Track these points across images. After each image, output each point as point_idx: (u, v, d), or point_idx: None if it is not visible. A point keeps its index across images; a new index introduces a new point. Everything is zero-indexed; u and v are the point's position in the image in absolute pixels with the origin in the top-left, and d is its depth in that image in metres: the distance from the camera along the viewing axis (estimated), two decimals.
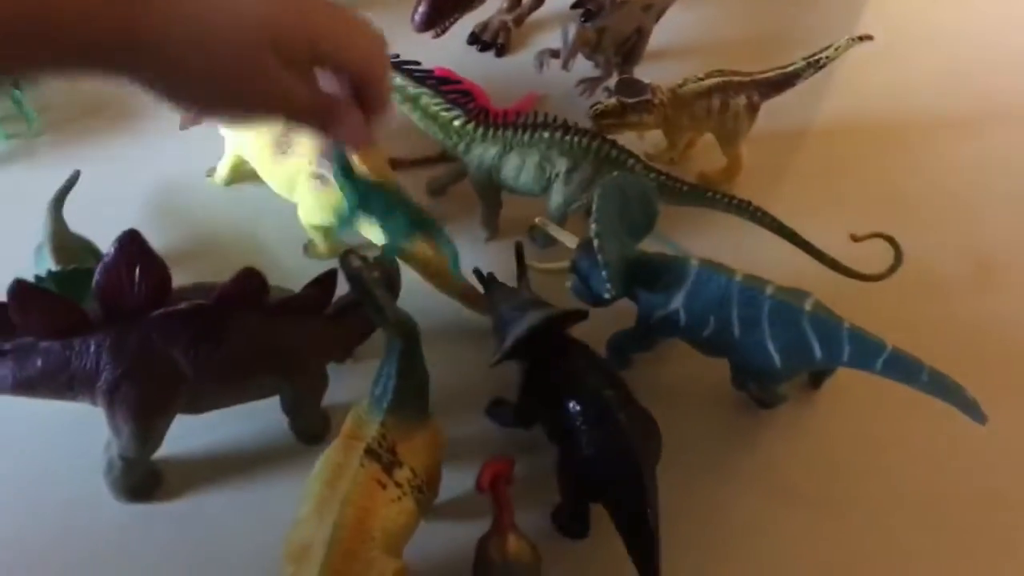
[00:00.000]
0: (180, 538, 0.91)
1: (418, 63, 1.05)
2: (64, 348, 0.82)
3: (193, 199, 1.13)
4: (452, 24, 1.18)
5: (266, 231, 1.10)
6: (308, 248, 1.10)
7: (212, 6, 0.68)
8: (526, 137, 1.04)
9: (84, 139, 1.17)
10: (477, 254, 1.09)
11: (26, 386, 0.83)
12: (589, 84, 1.26)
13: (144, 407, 0.84)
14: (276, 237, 1.09)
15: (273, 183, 1.06)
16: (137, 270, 0.81)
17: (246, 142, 1.07)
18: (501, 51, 1.33)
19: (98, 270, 0.81)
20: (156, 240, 0.86)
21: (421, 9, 1.14)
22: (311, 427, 0.96)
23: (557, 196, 1.05)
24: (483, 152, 1.05)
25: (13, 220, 1.08)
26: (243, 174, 1.13)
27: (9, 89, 1.13)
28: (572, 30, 1.21)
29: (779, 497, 0.96)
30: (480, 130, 1.04)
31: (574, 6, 1.36)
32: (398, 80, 1.04)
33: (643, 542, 0.84)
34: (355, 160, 0.98)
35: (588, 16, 1.32)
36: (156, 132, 1.18)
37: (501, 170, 1.06)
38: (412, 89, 1.04)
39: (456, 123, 1.04)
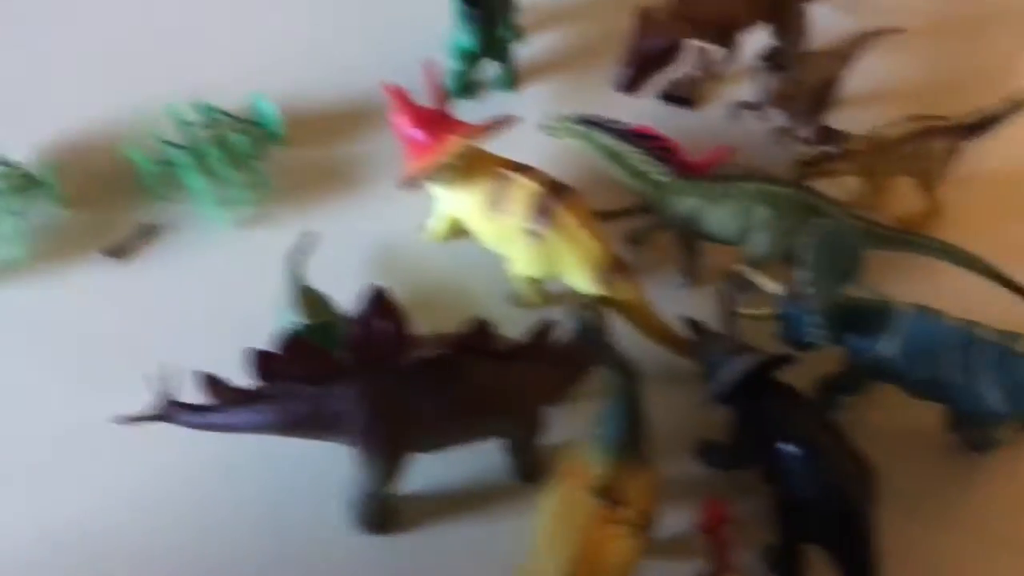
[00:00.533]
0: (415, 566, 0.99)
1: (619, 121, 1.12)
2: (322, 393, 0.91)
3: (408, 254, 1.22)
4: (649, 83, 1.25)
5: (474, 282, 1.18)
6: (515, 297, 1.16)
7: None
8: (726, 188, 1.08)
9: (316, 201, 1.28)
10: (677, 301, 1.13)
11: (289, 427, 0.93)
12: (783, 134, 1.29)
13: (391, 445, 0.93)
14: (482, 288, 1.16)
15: (486, 239, 1.14)
16: (384, 322, 0.90)
17: (460, 202, 1.15)
18: (691, 105, 1.38)
19: (351, 323, 0.90)
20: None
21: (622, 71, 1.21)
22: (530, 466, 1.02)
23: (757, 244, 1.09)
24: (683, 203, 1.10)
25: (256, 277, 1.20)
26: (455, 231, 1.21)
27: (252, 161, 1.26)
28: (766, 82, 1.25)
29: (993, 542, 0.96)
30: (680, 182, 1.09)
31: (764, 59, 1.40)
32: (602, 138, 1.10)
33: None
34: (561, 213, 1.06)
35: (778, 69, 1.36)
36: (375, 196, 1.29)
37: (701, 220, 1.11)
38: (616, 146, 1.10)
39: (657, 176, 1.10)
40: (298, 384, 0.91)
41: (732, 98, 1.32)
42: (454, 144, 1.11)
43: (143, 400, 0.96)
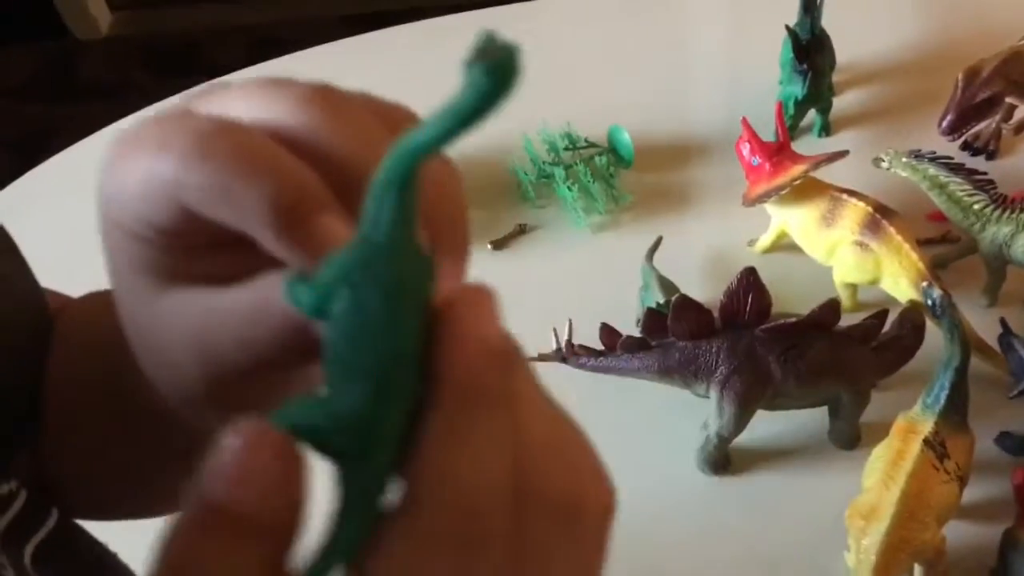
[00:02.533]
0: (747, 506, 1.21)
1: (951, 158, 1.32)
2: (695, 347, 1.16)
3: (736, 261, 1.45)
4: (969, 129, 1.45)
5: (789, 289, 1.39)
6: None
7: None
8: None
9: (656, 215, 1.55)
10: (979, 317, 1.30)
11: (665, 373, 1.19)
12: None
13: (745, 396, 1.16)
14: (797, 293, 1.36)
15: (813, 251, 1.37)
16: (750, 296, 1.14)
17: (793, 217, 1.38)
18: (992, 156, 1.55)
19: (724, 293, 1.15)
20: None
21: (949, 117, 1.42)
22: (850, 435, 1.23)
23: None
24: (996, 230, 1.28)
25: (605, 271, 1.48)
26: (778, 244, 1.45)
27: (610, 176, 1.55)
28: None
29: None
30: (997, 212, 1.28)
31: None
32: (931, 170, 1.31)
33: None
34: (889, 229, 1.27)
35: None
36: (708, 214, 1.54)
37: (1012, 246, 1.28)
38: (944, 177, 1.30)
39: (977, 206, 1.29)
40: (678, 337, 1.17)
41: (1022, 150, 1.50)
42: (795, 171, 1.35)
43: (533, 349, 1.25)
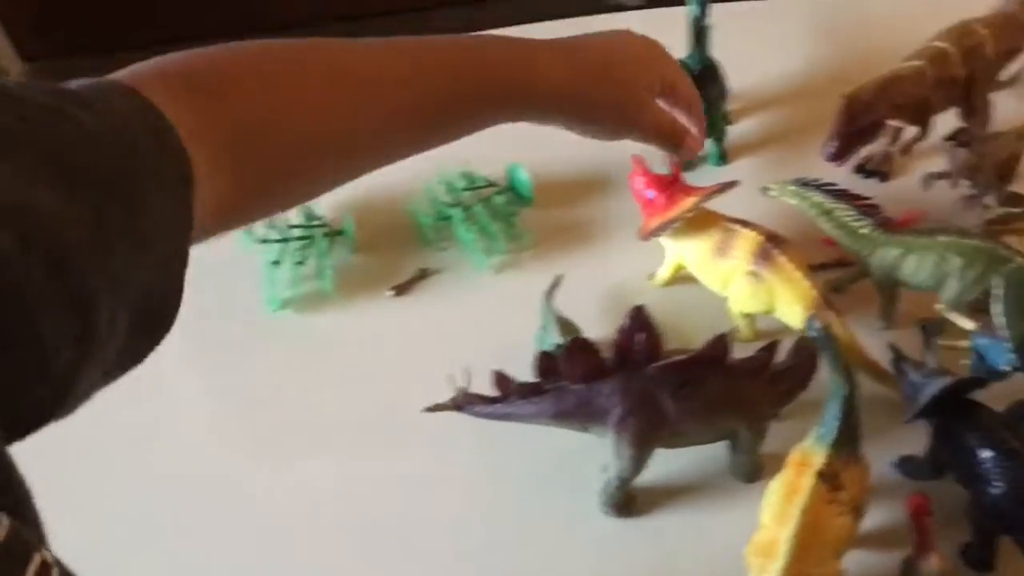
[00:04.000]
0: (651, 547, 1.19)
1: (834, 184, 1.33)
2: (589, 390, 1.15)
3: (636, 295, 1.45)
4: (853, 155, 1.46)
5: (691, 321, 1.39)
6: (734, 333, 1.37)
7: (606, 58, 1.13)
8: (925, 240, 1.26)
9: (557, 252, 1.54)
10: (874, 340, 1.30)
11: (560, 417, 1.17)
12: (969, 200, 1.46)
13: (642, 437, 1.14)
14: (698, 324, 1.35)
15: (709, 282, 1.36)
16: (640, 334, 1.13)
17: (687, 250, 1.38)
18: (884, 178, 1.57)
19: (616, 331, 1.13)
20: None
21: (832, 143, 1.43)
22: (751, 468, 1.22)
23: (951, 290, 1.25)
24: (885, 253, 1.29)
25: (508, 313, 1.46)
26: (675, 278, 1.44)
27: (510, 215, 1.54)
28: (958, 156, 1.44)
29: None
30: (884, 235, 1.29)
31: (948, 139, 1.58)
32: (817, 197, 1.31)
33: None
34: (780, 257, 1.27)
35: (962, 144, 1.54)
36: (609, 249, 1.54)
37: (901, 268, 1.29)
38: (829, 204, 1.31)
39: (864, 231, 1.29)
40: (571, 381, 1.15)
41: (921, 172, 1.51)
42: (687, 203, 1.35)
43: (425, 404, 1.22)
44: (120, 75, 0.74)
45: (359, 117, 0.93)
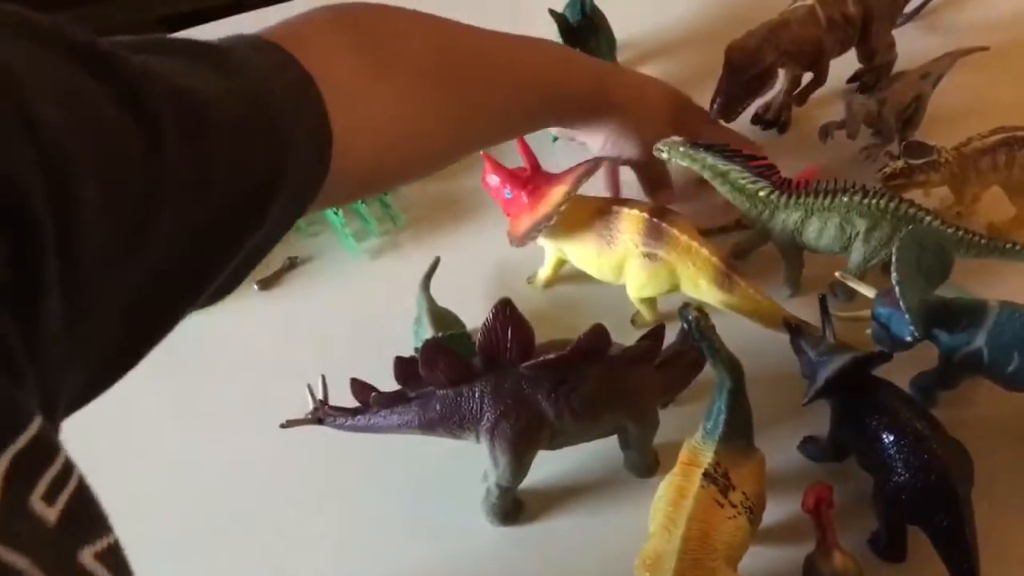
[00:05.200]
0: (541, 555, 1.09)
1: (727, 144, 1.21)
2: (456, 395, 1.03)
3: (522, 274, 1.34)
4: (744, 110, 1.34)
5: (583, 312, 1.28)
6: (635, 319, 1.26)
7: (645, 91, 1.32)
8: (826, 202, 1.15)
9: (437, 231, 1.42)
10: (791, 306, 1.20)
11: (428, 426, 1.05)
12: (872, 150, 1.36)
13: (518, 441, 1.03)
14: (593, 313, 1.25)
15: (601, 273, 1.24)
16: (510, 330, 1.01)
17: (568, 246, 1.25)
18: (783, 128, 1.46)
19: (480, 331, 1.02)
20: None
21: (719, 101, 1.31)
22: (645, 463, 1.12)
23: (857, 254, 1.16)
24: (786, 217, 1.18)
25: (388, 300, 1.34)
26: (559, 276, 1.33)
27: (384, 197, 1.41)
28: (855, 102, 1.33)
29: None
30: (784, 198, 1.18)
31: (850, 80, 1.47)
32: (709, 159, 1.20)
33: (961, 558, 0.92)
34: (671, 231, 1.16)
35: (864, 89, 1.43)
36: (490, 225, 1.40)
37: (803, 232, 1.18)
38: (723, 166, 1.19)
39: (762, 193, 1.18)
40: (436, 386, 1.03)
41: (820, 120, 1.40)
42: (556, 195, 1.21)
43: (297, 408, 1.10)
44: (275, 29, 0.81)
45: (487, 107, 1.10)
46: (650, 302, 1.25)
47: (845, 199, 1.16)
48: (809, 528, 1.00)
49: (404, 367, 1.03)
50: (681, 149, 1.24)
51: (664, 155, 1.26)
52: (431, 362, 1.01)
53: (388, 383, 1.07)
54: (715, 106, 1.32)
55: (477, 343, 1.02)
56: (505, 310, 1.01)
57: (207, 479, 1.19)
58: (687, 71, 1.57)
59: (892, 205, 1.15)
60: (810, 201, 1.18)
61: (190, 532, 1.14)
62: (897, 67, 1.46)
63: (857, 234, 1.16)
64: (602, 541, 1.09)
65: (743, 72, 1.31)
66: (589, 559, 1.08)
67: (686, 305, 0.97)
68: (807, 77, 1.43)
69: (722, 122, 1.36)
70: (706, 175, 1.23)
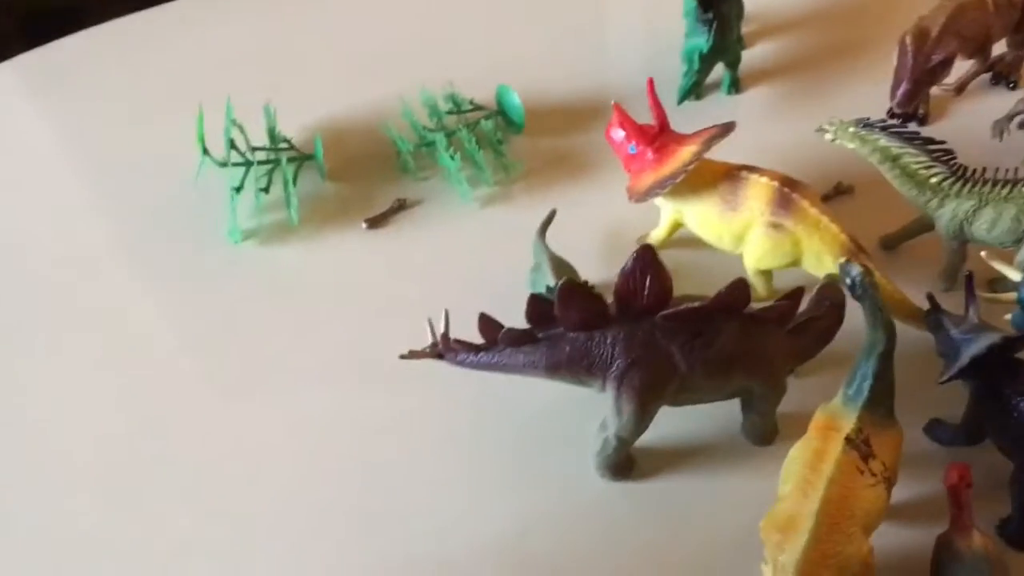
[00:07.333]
0: (651, 515, 1.06)
1: (905, 125, 1.17)
2: (587, 339, 1.00)
3: (636, 233, 1.31)
4: (924, 98, 1.33)
5: (692, 279, 1.24)
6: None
7: None
8: (1004, 191, 1.12)
9: (551, 184, 1.39)
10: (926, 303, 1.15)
11: (553, 369, 1.03)
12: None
13: (646, 392, 1.00)
14: (703, 281, 1.21)
15: (719, 239, 1.21)
16: (648, 278, 0.98)
17: (689, 208, 1.22)
18: (923, 121, 1.43)
19: (618, 275, 0.99)
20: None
21: (904, 87, 1.30)
22: (765, 429, 1.09)
23: None
24: (957, 206, 1.14)
25: (497, 249, 1.32)
26: (673, 239, 1.29)
27: (498, 142, 1.38)
28: None
29: None
30: (957, 185, 1.14)
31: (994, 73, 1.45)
32: (883, 140, 1.16)
33: None
34: (801, 202, 1.13)
35: (997, 80, 1.41)
36: (604, 181, 1.38)
37: (974, 223, 1.14)
38: (896, 149, 1.15)
39: (934, 180, 1.14)
40: (568, 328, 1.01)
41: (957, 114, 1.37)
42: (684, 154, 1.18)
43: (404, 346, 1.08)
44: None
45: None
46: (766, 275, 1.21)
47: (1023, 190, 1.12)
48: (935, 509, 0.97)
49: (538, 306, 1.01)
50: (851, 130, 1.19)
51: (829, 136, 1.21)
52: (568, 302, 0.99)
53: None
54: (899, 93, 1.30)
55: (614, 287, 1.00)
56: (646, 255, 0.98)
57: (305, 417, 1.18)
58: (814, 46, 1.53)
59: None
60: (986, 190, 1.14)
61: (305, 466, 1.13)
62: None
63: None
64: (716, 505, 1.06)
65: (928, 58, 1.29)
66: (702, 521, 1.05)
67: (848, 260, 0.94)
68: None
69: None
70: (873, 159, 1.18)
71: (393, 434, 1.14)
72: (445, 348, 1.06)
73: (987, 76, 1.46)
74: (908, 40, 1.28)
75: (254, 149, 1.40)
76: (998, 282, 1.17)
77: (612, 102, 1.25)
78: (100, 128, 1.60)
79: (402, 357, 1.07)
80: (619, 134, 1.25)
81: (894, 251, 1.26)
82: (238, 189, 1.37)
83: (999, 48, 1.43)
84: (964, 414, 1.04)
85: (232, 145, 1.39)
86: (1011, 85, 1.45)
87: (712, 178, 1.20)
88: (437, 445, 1.13)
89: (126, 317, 1.30)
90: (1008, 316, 1.08)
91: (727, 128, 1.20)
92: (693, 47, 1.42)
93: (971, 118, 1.42)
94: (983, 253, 1.11)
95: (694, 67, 1.43)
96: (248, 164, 1.39)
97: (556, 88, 1.50)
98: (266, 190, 1.38)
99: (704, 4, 1.39)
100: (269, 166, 1.40)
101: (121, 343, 1.27)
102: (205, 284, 1.33)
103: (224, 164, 1.38)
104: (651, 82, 1.23)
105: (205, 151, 1.37)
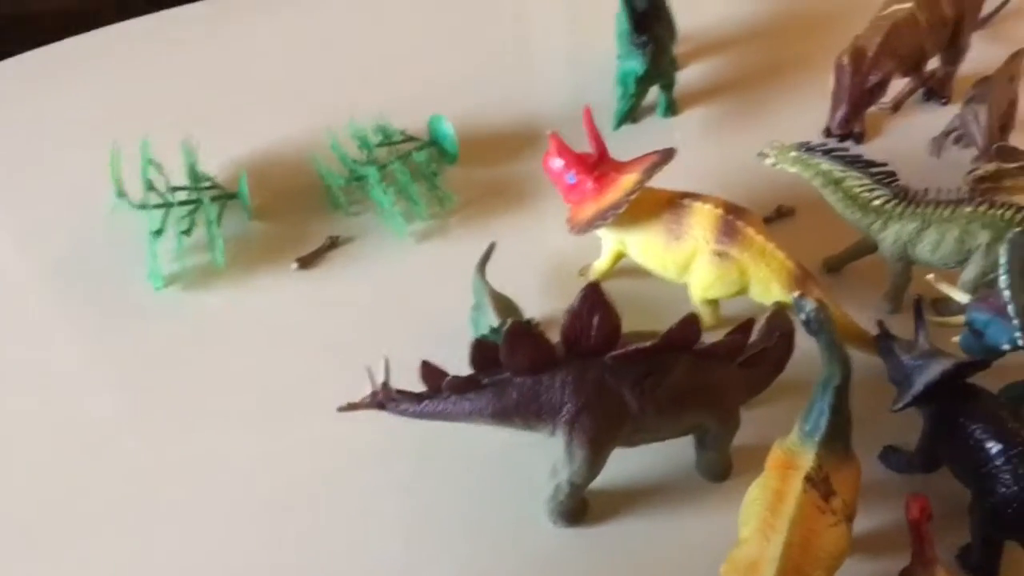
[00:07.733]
0: (607, 559, 1.02)
1: (846, 148, 1.16)
2: (535, 383, 0.96)
3: (577, 264, 1.28)
4: (861, 120, 1.32)
5: (635, 311, 1.21)
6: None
7: None
8: (947, 212, 1.11)
9: (487, 216, 1.35)
10: (873, 325, 1.14)
11: (501, 415, 0.98)
12: (938, 141, 1.35)
13: (598, 436, 0.96)
14: (647, 312, 1.19)
15: (664, 269, 1.18)
16: (596, 317, 0.95)
17: (631, 237, 1.19)
18: (860, 139, 1.43)
19: (565, 314, 0.95)
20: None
21: (843, 110, 1.30)
22: (721, 465, 1.06)
23: (974, 268, 1.11)
24: (900, 228, 1.13)
25: (434, 285, 1.27)
26: (616, 268, 1.26)
27: (432, 174, 1.34)
28: (969, 113, 1.29)
29: None
30: (900, 207, 1.12)
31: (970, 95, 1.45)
32: (824, 164, 1.14)
33: None
34: (747, 230, 1.11)
35: (930, 96, 1.42)
36: (542, 211, 1.35)
37: (917, 245, 1.13)
38: (839, 172, 1.14)
39: (876, 202, 1.13)
40: (515, 372, 0.97)
41: (891, 132, 1.37)
42: (625, 184, 1.15)
43: (343, 392, 1.03)
44: None
45: None
46: (713, 304, 1.19)
47: (968, 210, 1.11)
48: (894, 540, 0.95)
49: (482, 351, 0.96)
50: (792, 154, 1.17)
51: (770, 160, 1.19)
52: (514, 347, 0.94)
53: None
54: (838, 116, 1.29)
55: (561, 328, 0.95)
56: (594, 294, 0.94)
57: (241, 467, 1.11)
58: (750, 66, 1.52)
59: (1019, 216, 1.09)
60: (929, 211, 1.12)
61: (230, 521, 1.06)
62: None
63: (977, 247, 1.10)
64: (673, 547, 1.02)
65: (865, 79, 1.28)
66: (660, 565, 1.01)
67: (801, 295, 0.91)
68: None
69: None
70: (816, 183, 1.17)
71: (332, 483, 1.09)
72: (386, 398, 1.01)
73: (920, 92, 1.47)
74: (846, 61, 1.28)
75: (174, 189, 1.33)
76: (942, 303, 1.16)
77: (548, 132, 1.21)
78: (10, 166, 1.52)
79: (340, 410, 1.01)
80: (557, 163, 1.21)
81: (838, 273, 1.24)
82: (158, 232, 1.29)
83: (932, 64, 1.44)
84: (919, 441, 1.02)
85: (150, 186, 1.32)
86: (943, 101, 1.45)
87: (654, 207, 1.17)
88: (379, 493, 1.08)
89: (48, 367, 1.23)
90: (956, 339, 1.07)
91: (668, 155, 1.17)
92: (628, 70, 1.40)
93: (907, 134, 1.43)
94: (929, 276, 1.10)
95: (630, 91, 1.40)
96: (168, 205, 1.32)
97: (489, 116, 1.46)
98: (188, 232, 1.31)
99: (638, 27, 1.37)
100: (191, 206, 1.33)
101: (42, 391, 1.20)
102: (127, 331, 1.26)
103: (142, 207, 1.31)
104: (588, 111, 1.19)
105: (120, 193, 1.30)
